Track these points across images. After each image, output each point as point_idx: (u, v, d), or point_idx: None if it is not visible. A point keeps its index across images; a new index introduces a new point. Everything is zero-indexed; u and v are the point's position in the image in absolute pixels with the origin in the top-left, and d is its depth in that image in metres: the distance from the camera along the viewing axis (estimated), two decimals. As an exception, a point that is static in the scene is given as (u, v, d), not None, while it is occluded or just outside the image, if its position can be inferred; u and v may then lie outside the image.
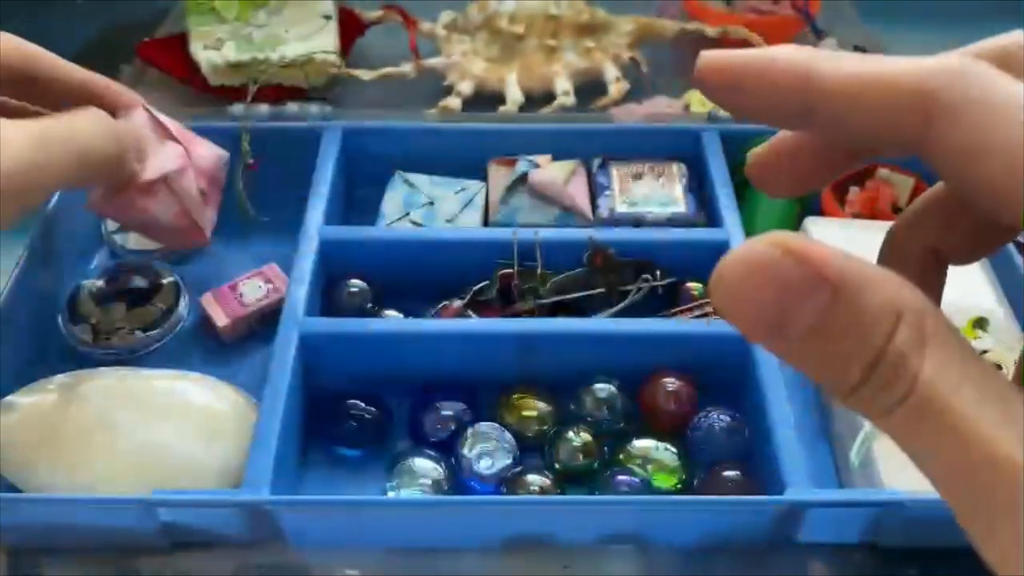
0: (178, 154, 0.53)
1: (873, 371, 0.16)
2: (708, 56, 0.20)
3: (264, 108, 0.67)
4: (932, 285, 0.22)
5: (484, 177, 0.65)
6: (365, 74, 0.73)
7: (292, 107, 0.67)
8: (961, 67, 0.17)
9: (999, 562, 0.16)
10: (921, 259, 0.22)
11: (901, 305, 0.16)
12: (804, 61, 0.18)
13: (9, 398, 0.50)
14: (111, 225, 0.62)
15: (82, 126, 0.43)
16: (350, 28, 0.78)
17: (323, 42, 0.74)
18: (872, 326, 0.16)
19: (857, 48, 0.79)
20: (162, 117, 0.54)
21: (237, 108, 0.67)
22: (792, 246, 0.16)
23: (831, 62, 0.18)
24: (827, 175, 0.22)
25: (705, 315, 0.55)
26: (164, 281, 0.59)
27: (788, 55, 0.19)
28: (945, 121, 0.17)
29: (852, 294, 0.16)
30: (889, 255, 0.23)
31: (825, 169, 0.21)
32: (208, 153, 0.55)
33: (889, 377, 0.16)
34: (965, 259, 0.22)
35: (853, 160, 0.22)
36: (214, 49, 0.72)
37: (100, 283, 0.59)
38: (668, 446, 0.50)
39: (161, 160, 0.53)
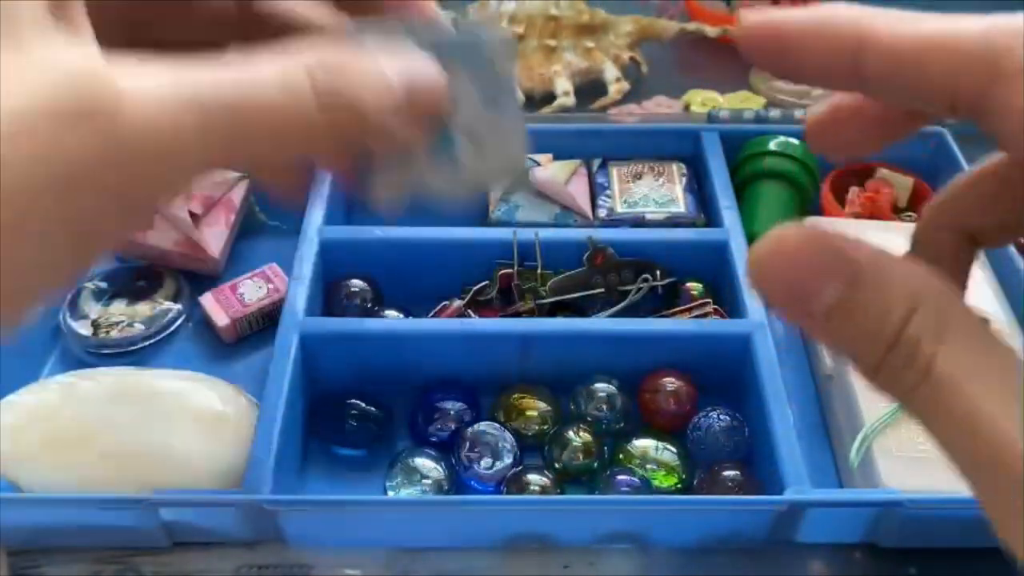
0: None
1: (890, 352, 0.17)
2: (749, 20, 0.20)
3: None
4: (960, 268, 0.22)
5: (484, 177, 0.65)
6: (365, 74, 0.73)
7: (292, 107, 0.67)
8: None
9: (1014, 547, 0.16)
10: (951, 242, 0.22)
11: (921, 292, 0.17)
12: (856, 22, 0.18)
13: (9, 398, 0.50)
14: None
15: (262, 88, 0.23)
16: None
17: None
18: (889, 309, 0.17)
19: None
20: None
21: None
22: (817, 233, 0.18)
23: (886, 22, 0.18)
24: (887, 138, 0.21)
25: (705, 315, 0.55)
26: (165, 280, 0.60)
27: (839, 16, 0.18)
28: (1013, 81, 0.17)
29: (872, 278, 0.17)
30: (920, 236, 0.22)
31: (885, 131, 0.21)
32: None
33: (905, 360, 0.17)
34: (999, 241, 0.22)
35: (915, 122, 0.21)
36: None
37: (102, 284, 0.59)
38: (668, 446, 0.50)
39: None
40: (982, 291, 0.56)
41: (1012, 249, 0.57)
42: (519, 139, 0.21)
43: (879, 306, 0.17)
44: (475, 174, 0.20)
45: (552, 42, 0.75)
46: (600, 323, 0.54)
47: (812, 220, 0.61)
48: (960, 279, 0.22)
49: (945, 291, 0.17)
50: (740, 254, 0.57)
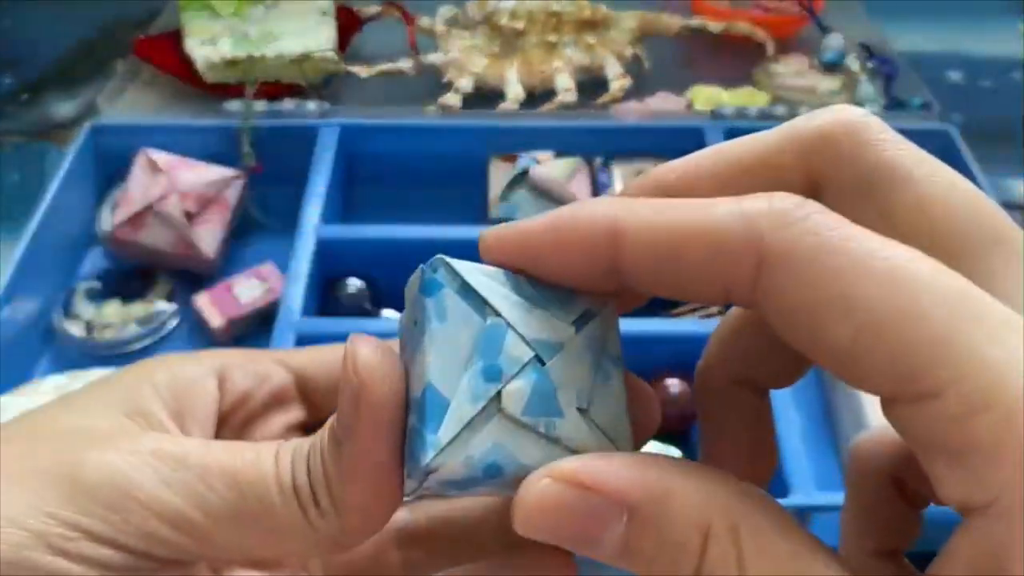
0: (162, 183, 0.58)
1: None
2: (491, 235, 0.18)
3: (260, 105, 0.66)
4: (756, 416, 0.20)
5: (485, 173, 0.64)
6: (363, 71, 0.72)
7: (289, 104, 0.66)
8: (792, 208, 0.15)
9: None
10: (733, 393, 0.20)
11: (710, 516, 0.15)
12: (608, 218, 0.16)
13: (2, 398, 0.49)
14: (106, 225, 0.61)
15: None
16: (347, 24, 0.77)
17: (320, 38, 0.73)
18: (679, 548, 0.15)
19: (863, 46, 0.78)
20: (153, 153, 0.59)
21: (233, 105, 0.66)
22: (579, 476, 0.15)
23: (640, 213, 0.16)
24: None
25: (708, 315, 0.55)
26: (158, 280, 0.59)
27: (590, 212, 0.17)
28: (780, 272, 0.15)
29: (650, 514, 0.15)
30: (701, 395, 0.21)
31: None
32: (194, 176, 0.58)
33: None
34: (784, 383, 0.20)
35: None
36: (210, 45, 0.71)
37: (96, 284, 0.58)
38: (671, 449, 0.49)
39: (145, 192, 0.58)
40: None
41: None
42: (623, 415, 0.18)
43: (668, 544, 0.15)
44: (572, 447, 0.17)
45: (553, 38, 0.74)
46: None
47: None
48: (759, 428, 0.20)
49: (735, 504, 0.15)
50: (744, 253, 0.56)
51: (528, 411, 0.17)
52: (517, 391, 0.17)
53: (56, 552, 0.17)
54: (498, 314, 0.17)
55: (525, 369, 0.17)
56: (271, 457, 0.18)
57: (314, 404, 0.24)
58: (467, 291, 0.17)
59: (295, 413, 0.24)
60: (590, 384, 0.17)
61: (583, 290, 0.18)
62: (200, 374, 0.22)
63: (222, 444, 0.19)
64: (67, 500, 0.18)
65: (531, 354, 0.17)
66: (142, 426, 0.20)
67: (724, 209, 0.15)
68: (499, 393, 0.16)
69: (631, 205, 0.16)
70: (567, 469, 0.16)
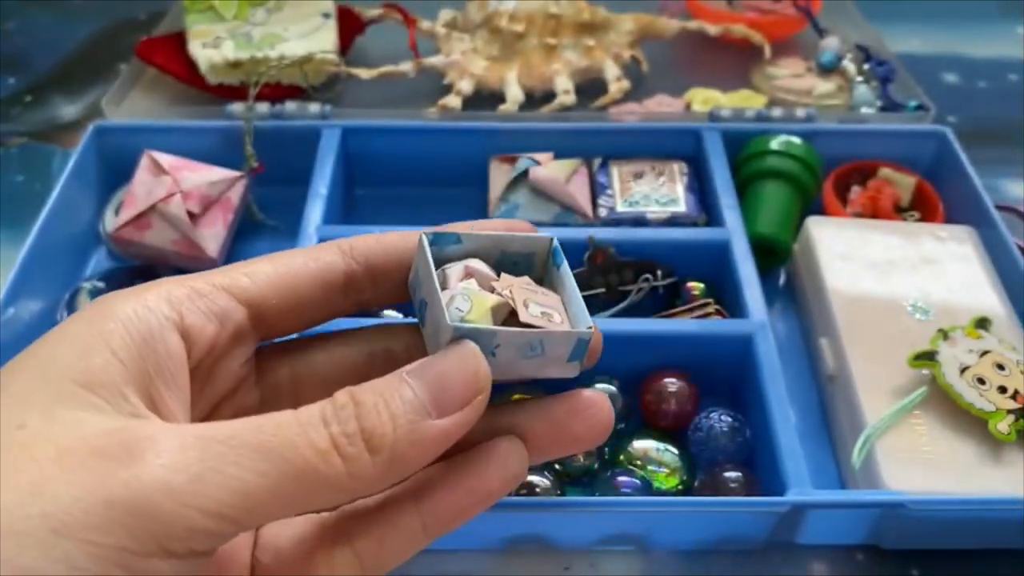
0: (166, 184, 0.58)
1: None
2: None
3: (263, 107, 0.66)
4: None
5: (485, 174, 0.64)
6: (365, 73, 0.72)
7: (291, 106, 0.67)
8: None
9: None
10: None
11: None
12: None
13: (6, 398, 0.49)
14: (110, 226, 0.62)
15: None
16: (349, 26, 0.78)
17: (322, 41, 0.74)
18: None
19: (860, 48, 0.78)
20: (156, 154, 0.60)
21: (236, 107, 0.66)
22: None
23: None
24: None
25: (706, 315, 0.55)
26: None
27: None
28: None
29: None
30: None
31: None
32: (198, 177, 0.59)
33: None
34: None
35: None
36: (213, 48, 0.72)
37: (100, 284, 0.59)
38: (669, 447, 0.50)
39: (149, 192, 0.58)
40: (985, 291, 0.55)
41: (1014, 248, 0.57)
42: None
43: None
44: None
45: (552, 40, 0.75)
46: (601, 323, 0.54)
47: (814, 219, 0.60)
48: None
49: None
50: (742, 254, 0.57)
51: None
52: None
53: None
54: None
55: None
56: (294, 422, 0.21)
57: (267, 326, 0.26)
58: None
59: (250, 343, 0.26)
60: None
61: None
62: (157, 326, 0.23)
63: (240, 422, 0.21)
64: (107, 527, 0.19)
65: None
66: (102, 405, 0.21)
67: None
68: None
69: None
70: None
